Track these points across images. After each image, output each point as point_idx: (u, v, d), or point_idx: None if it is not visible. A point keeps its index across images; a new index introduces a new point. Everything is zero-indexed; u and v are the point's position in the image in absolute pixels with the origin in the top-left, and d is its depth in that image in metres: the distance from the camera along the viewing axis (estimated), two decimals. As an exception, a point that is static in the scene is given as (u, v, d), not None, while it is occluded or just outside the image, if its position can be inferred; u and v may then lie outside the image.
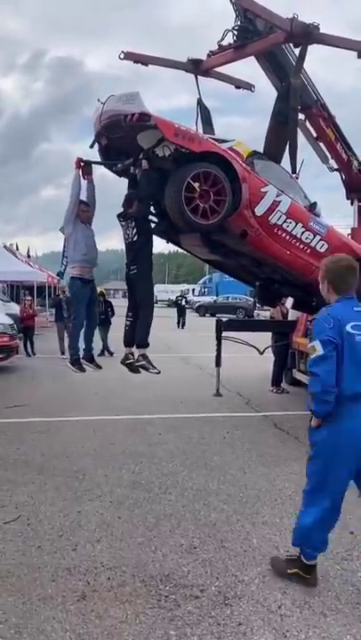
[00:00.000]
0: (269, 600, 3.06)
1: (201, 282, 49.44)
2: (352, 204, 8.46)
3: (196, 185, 5.31)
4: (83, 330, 6.32)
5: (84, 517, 4.13)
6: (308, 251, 6.47)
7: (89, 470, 5.19)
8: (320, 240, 6.54)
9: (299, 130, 7.42)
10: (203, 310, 37.67)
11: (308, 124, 7.31)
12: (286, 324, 9.62)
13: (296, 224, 6.33)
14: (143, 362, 5.90)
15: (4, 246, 21.84)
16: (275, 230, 6.19)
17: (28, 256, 27.52)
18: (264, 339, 9.80)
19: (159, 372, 5.94)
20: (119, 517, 4.13)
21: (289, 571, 3.26)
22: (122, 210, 5.95)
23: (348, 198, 8.38)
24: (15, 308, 15.98)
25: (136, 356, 6.07)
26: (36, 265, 25.13)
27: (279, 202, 6.17)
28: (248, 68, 7.25)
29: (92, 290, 6.36)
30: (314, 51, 6.50)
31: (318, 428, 3.08)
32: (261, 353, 9.51)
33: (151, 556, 3.56)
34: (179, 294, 32.01)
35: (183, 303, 27.16)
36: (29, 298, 15.78)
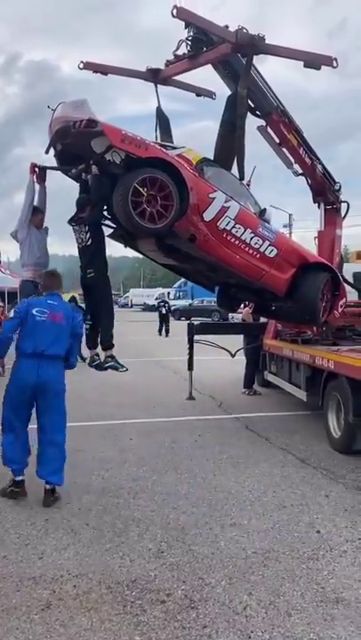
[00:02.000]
0: (235, 602, 3.07)
1: (176, 285, 49.48)
2: (319, 207, 8.59)
3: (143, 190, 5.39)
4: None
5: (51, 525, 4.09)
6: (258, 256, 6.62)
7: (58, 477, 5.13)
8: (269, 245, 6.68)
9: (262, 135, 7.53)
10: (178, 314, 37.69)
11: (269, 130, 7.40)
12: (257, 326, 9.70)
13: (245, 229, 6.46)
14: (111, 362, 6.01)
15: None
16: (224, 235, 6.31)
17: (0, 261, 27.13)
18: (236, 341, 9.88)
19: (127, 370, 6.04)
20: (87, 524, 4.11)
21: (6, 489, 4.58)
22: (73, 215, 6.02)
23: (314, 202, 8.48)
24: (-13, 315, 15.73)
25: (103, 358, 6.11)
26: (8, 271, 24.79)
27: (228, 207, 6.29)
28: (214, 74, 7.32)
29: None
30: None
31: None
32: (233, 356, 9.57)
33: (118, 561, 3.54)
34: (160, 300, 28.47)
35: (164, 311, 24.45)
36: (1, 304, 15.55)
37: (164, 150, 5.95)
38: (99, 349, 6.27)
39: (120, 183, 5.51)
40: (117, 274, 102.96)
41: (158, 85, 7.48)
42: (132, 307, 60.23)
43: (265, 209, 6.89)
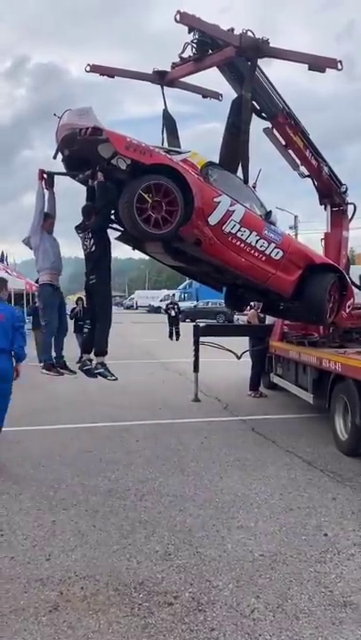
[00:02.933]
0: (243, 605, 3.07)
1: (181, 287, 49.51)
2: (325, 209, 8.58)
3: (148, 196, 5.43)
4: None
5: (58, 527, 4.10)
6: (264, 258, 6.63)
7: (65, 479, 5.16)
8: (275, 248, 6.69)
9: (268, 138, 7.53)
10: (183, 316, 37.69)
11: (275, 132, 7.41)
12: (263, 328, 9.69)
13: (250, 232, 6.47)
14: (101, 369, 6.01)
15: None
16: (229, 239, 6.33)
17: (6, 263, 27.27)
18: (242, 343, 9.87)
19: (116, 379, 6.04)
20: (94, 526, 4.11)
21: None
22: (80, 222, 6.09)
23: (321, 204, 8.47)
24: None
25: (94, 364, 6.13)
26: (15, 272, 24.89)
27: (233, 211, 6.32)
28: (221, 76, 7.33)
29: (61, 297, 6.56)
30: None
31: None
32: (239, 358, 9.56)
33: (125, 563, 3.55)
34: (169, 302, 27.00)
35: (173, 314, 22.93)
36: (7, 305, 15.60)
37: (169, 156, 5.99)
38: (93, 355, 6.28)
39: (125, 190, 5.56)
40: (123, 275, 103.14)
41: (165, 87, 7.51)
42: (137, 308, 60.32)
43: (271, 211, 6.89)
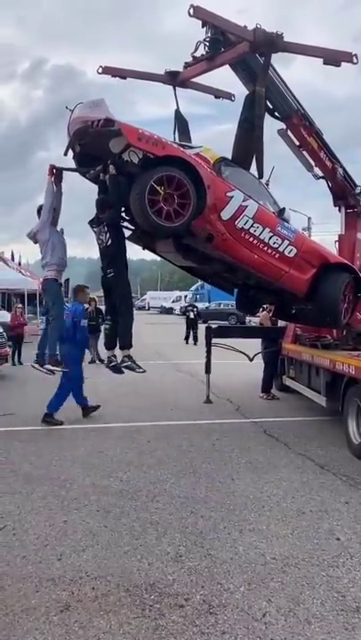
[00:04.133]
0: (254, 608, 3.05)
1: (193, 288, 49.45)
2: (340, 210, 8.52)
3: (160, 188, 5.37)
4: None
5: (70, 527, 4.10)
6: (277, 255, 6.56)
7: (76, 479, 5.17)
8: (288, 245, 6.62)
9: (283, 139, 7.50)
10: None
11: (289, 133, 7.37)
12: (276, 330, 9.64)
13: (264, 229, 6.40)
14: (128, 362, 6.01)
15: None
16: (242, 235, 6.27)
17: (19, 263, 27.47)
18: (254, 345, 9.83)
19: (145, 371, 6.09)
20: (105, 526, 4.11)
21: None
22: (94, 216, 6.12)
23: (335, 205, 8.43)
24: (6, 316, 15.93)
25: (120, 358, 6.12)
26: (28, 272, 25.07)
27: (246, 207, 6.25)
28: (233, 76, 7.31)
29: (62, 294, 6.76)
30: (310, 59, 6.58)
31: None
32: (251, 360, 9.52)
33: (137, 564, 3.54)
34: (188, 304, 25.54)
35: (192, 316, 21.48)
36: (20, 306, 15.75)
37: (181, 149, 5.94)
38: (117, 351, 6.29)
39: (137, 182, 5.51)
40: (135, 276, 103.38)
41: (177, 88, 7.50)
42: (148, 309, 60.37)
43: (284, 208, 6.84)
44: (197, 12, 6.16)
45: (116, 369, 6.25)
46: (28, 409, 8.37)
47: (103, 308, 15.77)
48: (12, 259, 26.97)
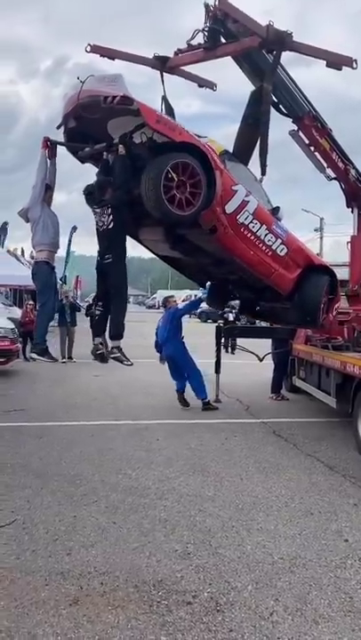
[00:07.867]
0: (261, 607, 3.06)
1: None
2: (353, 212, 8.48)
3: (175, 175, 5.29)
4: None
5: (79, 522, 4.14)
6: (270, 253, 6.58)
7: (86, 475, 5.20)
8: (281, 244, 6.66)
9: (294, 140, 7.47)
10: (205, 316, 37.69)
11: (301, 134, 7.35)
12: (287, 330, 9.61)
13: (261, 225, 6.41)
14: (118, 354, 5.76)
15: (8, 251, 21.94)
16: (241, 230, 6.26)
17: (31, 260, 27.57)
18: (263, 345, 9.82)
19: (132, 364, 5.83)
20: (114, 522, 4.14)
21: None
22: (91, 196, 5.82)
23: (348, 207, 8.38)
24: (18, 313, 16.03)
25: (110, 348, 5.92)
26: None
27: (247, 202, 6.24)
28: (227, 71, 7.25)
29: (55, 278, 6.26)
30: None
31: None
32: (261, 360, 9.51)
33: (145, 561, 3.56)
34: (227, 307, 16.56)
35: (231, 318, 15.71)
36: (31, 302, 15.81)
37: (195, 137, 5.80)
38: (105, 339, 6.04)
39: (151, 165, 5.36)
40: (146, 275, 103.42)
41: (164, 74, 7.30)
42: (158, 308, 60.41)
43: (278, 207, 6.88)
44: (222, 5, 6.32)
45: (102, 357, 6.01)
46: (38, 405, 8.43)
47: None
48: (23, 255, 27.08)
